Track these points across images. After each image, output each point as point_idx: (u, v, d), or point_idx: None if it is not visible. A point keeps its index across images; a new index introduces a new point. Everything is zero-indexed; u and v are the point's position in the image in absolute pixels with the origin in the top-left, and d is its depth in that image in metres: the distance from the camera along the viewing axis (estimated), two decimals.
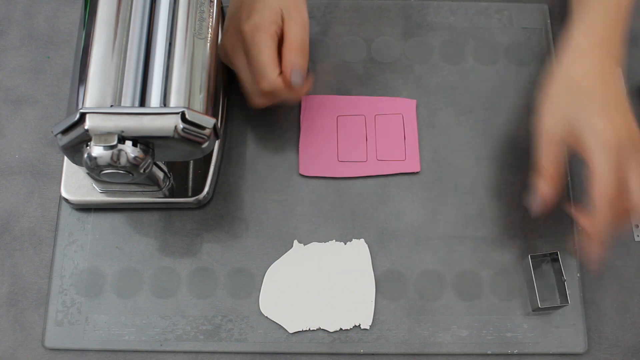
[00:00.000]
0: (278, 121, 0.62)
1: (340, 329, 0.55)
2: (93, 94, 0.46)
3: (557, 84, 0.53)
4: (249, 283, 0.57)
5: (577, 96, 0.51)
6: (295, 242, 0.58)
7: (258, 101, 0.57)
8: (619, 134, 0.49)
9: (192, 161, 0.58)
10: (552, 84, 0.53)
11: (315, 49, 0.64)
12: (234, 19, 0.55)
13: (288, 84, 0.53)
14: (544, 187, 0.52)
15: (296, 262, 0.57)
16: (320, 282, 0.56)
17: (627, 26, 0.54)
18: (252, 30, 0.53)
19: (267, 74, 0.53)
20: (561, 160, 0.52)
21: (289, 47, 0.53)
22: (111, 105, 0.46)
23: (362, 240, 0.58)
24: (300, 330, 0.55)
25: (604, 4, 0.54)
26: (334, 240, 0.58)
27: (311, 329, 0.55)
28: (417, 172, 0.60)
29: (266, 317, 0.56)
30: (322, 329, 0.55)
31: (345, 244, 0.58)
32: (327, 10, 0.66)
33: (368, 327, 0.55)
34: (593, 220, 0.49)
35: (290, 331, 0.55)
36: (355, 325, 0.55)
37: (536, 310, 0.55)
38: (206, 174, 0.57)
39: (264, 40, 0.53)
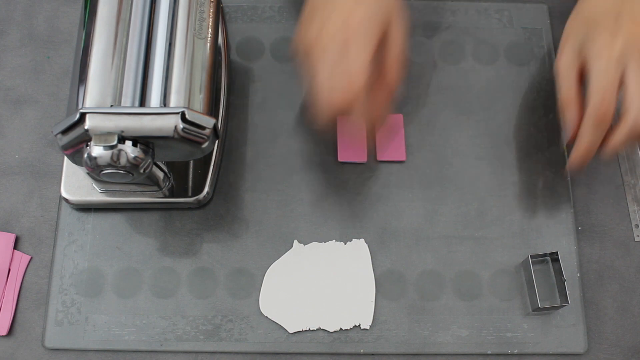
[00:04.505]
0: (279, 121, 0.62)
1: (340, 329, 0.55)
2: (93, 94, 0.46)
3: (573, 21, 0.54)
4: (249, 283, 0.57)
5: (589, 26, 0.52)
6: (295, 242, 0.58)
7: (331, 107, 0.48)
8: (621, 45, 0.49)
9: (192, 161, 0.58)
10: (569, 22, 0.54)
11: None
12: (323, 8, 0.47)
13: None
14: (571, 114, 0.52)
15: (296, 262, 0.57)
16: (320, 282, 0.56)
17: None
18: (360, 22, 0.44)
19: (358, 80, 0.45)
20: (581, 90, 0.53)
21: (392, 59, 0.47)
22: (111, 105, 0.46)
23: (362, 240, 0.58)
24: (300, 330, 0.55)
25: None
26: (334, 240, 0.58)
27: (311, 329, 0.55)
28: (417, 172, 0.60)
29: (266, 317, 0.56)
30: (322, 329, 0.55)
31: (345, 244, 0.58)
32: None
33: (368, 327, 0.55)
34: (583, 122, 0.50)
35: (290, 331, 0.55)
36: (355, 325, 0.55)
37: (536, 310, 0.55)
38: (206, 174, 0.57)
39: (370, 37, 0.45)
